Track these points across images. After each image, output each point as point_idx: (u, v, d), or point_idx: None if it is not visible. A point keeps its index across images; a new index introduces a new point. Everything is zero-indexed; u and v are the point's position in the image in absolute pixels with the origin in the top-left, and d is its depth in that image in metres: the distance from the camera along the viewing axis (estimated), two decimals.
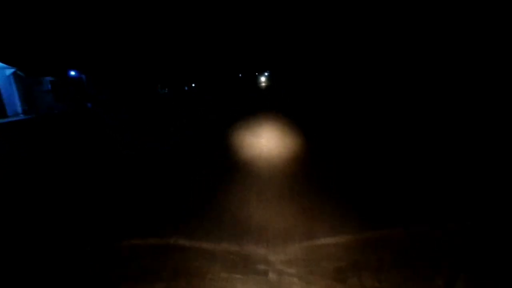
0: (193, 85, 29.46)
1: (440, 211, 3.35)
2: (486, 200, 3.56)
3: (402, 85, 12.39)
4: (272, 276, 2.57)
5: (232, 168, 5.43)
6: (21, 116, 20.35)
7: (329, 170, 5.01)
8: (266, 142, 7.17)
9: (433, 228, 2.98)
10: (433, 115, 8.58)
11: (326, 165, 5.30)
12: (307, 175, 4.82)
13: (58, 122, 14.47)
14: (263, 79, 46.94)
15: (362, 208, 3.57)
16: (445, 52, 10.75)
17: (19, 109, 21.10)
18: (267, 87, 32.84)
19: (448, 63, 10.44)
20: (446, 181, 4.25)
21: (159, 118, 12.88)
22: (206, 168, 5.62)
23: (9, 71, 20.32)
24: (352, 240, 2.93)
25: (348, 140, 7.04)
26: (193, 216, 3.67)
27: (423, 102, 10.28)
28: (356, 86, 16.12)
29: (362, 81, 15.97)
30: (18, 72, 20.61)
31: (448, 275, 2.35)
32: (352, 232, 3.04)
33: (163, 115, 13.52)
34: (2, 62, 19.59)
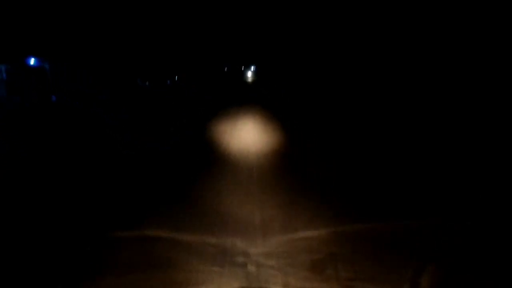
0: (176, 78, 27.51)
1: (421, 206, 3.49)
2: (469, 198, 3.72)
3: (399, 80, 12.31)
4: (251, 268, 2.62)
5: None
6: None
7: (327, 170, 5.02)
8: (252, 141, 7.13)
9: (406, 223, 3.10)
10: (433, 115, 8.66)
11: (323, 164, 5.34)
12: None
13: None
14: (249, 74, 45.29)
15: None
16: (444, 52, 10.95)
17: None
18: (254, 82, 32.88)
19: (448, 63, 10.64)
20: (432, 177, 4.39)
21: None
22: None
23: None
24: (329, 233, 3.01)
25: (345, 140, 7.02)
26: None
27: (423, 101, 10.31)
28: (353, 84, 15.91)
29: (359, 79, 15.75)
30: None
31: (416, 266, 2.47)
32: (329, 226, 3.12)
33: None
34: None
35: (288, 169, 5.08)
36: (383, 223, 3.12)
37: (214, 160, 5.90)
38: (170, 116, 11.75)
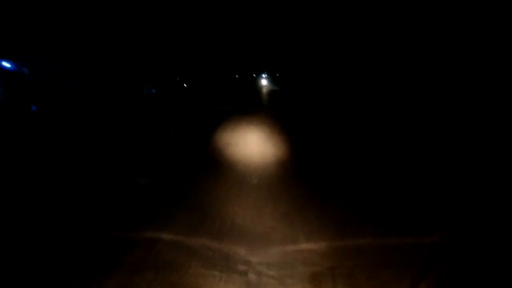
0: (185, 85, 25.56)
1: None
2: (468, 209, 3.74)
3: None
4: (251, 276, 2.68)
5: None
6: None
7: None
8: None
9: (403, 240, 3.17)
10: (435, 115, 8.62)
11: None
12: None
13: None
14: (264, 81, 40.43)
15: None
16: (445, 52, 10.99)
17: None
18: (271, 92, 27.64)
19: (448, 62, 10.67)
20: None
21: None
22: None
23: None
24: (328, 247, 3.08)
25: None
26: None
27: (425, 102, 10.25)
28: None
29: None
30: None
31: (411, 282, 2.54)
32: (328, 240, 3.19)
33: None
34: None
35: (290, 177, 5.15)
36: (384, 238, 3.18)
37: (215, 162, 5.97)
38: (170, 117, 11.66)
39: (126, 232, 3.31)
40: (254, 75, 45.91)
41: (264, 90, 31.30)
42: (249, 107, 15.03)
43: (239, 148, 6.95)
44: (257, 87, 33.91)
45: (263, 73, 45.42)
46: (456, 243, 3.03)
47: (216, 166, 5.67)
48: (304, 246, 3.08)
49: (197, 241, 3.14)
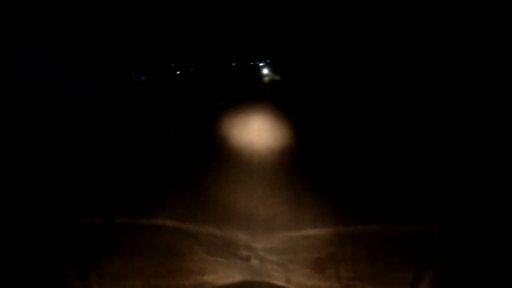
0: (178, 72, 23.52)
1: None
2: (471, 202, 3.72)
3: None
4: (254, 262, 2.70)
5: None
6: None
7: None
8: None
9: (407, 227, 3.15)
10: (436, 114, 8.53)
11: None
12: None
13: None
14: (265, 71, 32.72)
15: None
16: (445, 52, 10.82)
17: None
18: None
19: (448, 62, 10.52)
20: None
21: None
22: None
23: None
24: (331, 233, 3.07)
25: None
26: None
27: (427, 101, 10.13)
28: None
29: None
30: None
31: (417, 269, 2.53)
32: (331, 225, 3.18)
33: None
34: None
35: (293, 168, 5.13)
36: (387, 225, 3.16)
37: (216, 157, 5.94)
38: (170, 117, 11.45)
39: (129, 219, 3.36)
40: (253, 63, 40.42)
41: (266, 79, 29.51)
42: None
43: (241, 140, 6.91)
44: (257, 79, 30.75)
45: (263, 61, 39.55)
46: (459, 231, 3.01)
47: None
48: (306, 232, 3.09)
49: (200, 228, 3.17)
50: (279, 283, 2.50)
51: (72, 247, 2.92)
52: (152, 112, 11.82)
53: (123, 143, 6.95)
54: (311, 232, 3.08)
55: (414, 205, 3.69)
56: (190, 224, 3.19)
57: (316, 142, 6.47)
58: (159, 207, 3.61)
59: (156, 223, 3.21)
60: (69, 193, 4.48)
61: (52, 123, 9.11)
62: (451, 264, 2.56)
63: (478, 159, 5.03)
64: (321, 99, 14.30)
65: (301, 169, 4.88)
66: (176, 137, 7.10)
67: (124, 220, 3.30)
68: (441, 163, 5.08)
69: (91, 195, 4.22)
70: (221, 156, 5.75)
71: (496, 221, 3.18)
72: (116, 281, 2.50)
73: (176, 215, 3.37)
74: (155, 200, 3.86)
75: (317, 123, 8.85)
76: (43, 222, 3.44)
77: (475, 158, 5.10)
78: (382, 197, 3.94)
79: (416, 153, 5.68)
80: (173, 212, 3.44)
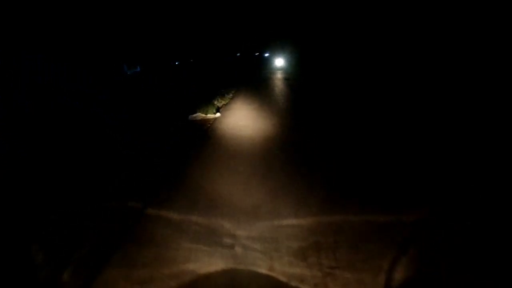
0: (177, 63, 21.65)
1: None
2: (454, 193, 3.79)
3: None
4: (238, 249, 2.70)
5: None
6: None
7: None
8: None
9: (384, 217, 3.24)
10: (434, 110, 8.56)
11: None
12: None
13: None
14: (279, 62, 26.63)
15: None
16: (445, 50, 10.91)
17: None
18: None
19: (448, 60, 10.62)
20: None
21: None
22: None
23: None
24: (314, 223, 3.12)
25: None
26: None
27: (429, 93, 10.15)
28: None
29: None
30: None
31: (392, 257, 2.63)
32: (313, 215, 3.23)
33: None
34: None
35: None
36: (366, 215, 3.24)
37: (204, 147, 5.87)
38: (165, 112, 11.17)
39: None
40: (261, 50, 34.91)
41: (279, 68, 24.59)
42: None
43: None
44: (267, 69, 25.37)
45: (272, 48, 33.84)
46: (439, 222, 3.12)
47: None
48: (290, 221, 3.13)
49: (183, 216, 3.13)
50: (263, 271, 2.53)
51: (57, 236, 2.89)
52: (152, 112, 11.50)
53: (123, 143, 6.81)
54: (294, 221, 3.12)
55: (393, 195, 3.77)
56: (173, 212, 3.15)
57: (301, 133, 6.49)
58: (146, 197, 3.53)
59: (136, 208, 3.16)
60: (69, 193, 4.42)
61: (52, 123, 9.13)
62: (428, 251, 2.66)
63: (467, 151, 5.07)
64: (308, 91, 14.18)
65: (285, 159, 4.89)
66: (176, 137, 6.96)
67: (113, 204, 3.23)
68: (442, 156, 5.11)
69: (91, 195, 4.13)
70: (208, 145, 5.68)
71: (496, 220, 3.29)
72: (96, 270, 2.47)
73: (160, 203, 3.32)
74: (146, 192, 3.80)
75: (302, 113, 8.84)
76: (42, 221, 3.41)
77: (464, 150, 5.15)
78: (365, 187, 3.99)
79: (401, 143, 5.75)
80: (156, 201, 3.38)
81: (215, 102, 10.37)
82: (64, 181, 4.77)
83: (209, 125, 7.70)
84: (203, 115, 8.64)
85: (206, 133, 6.86)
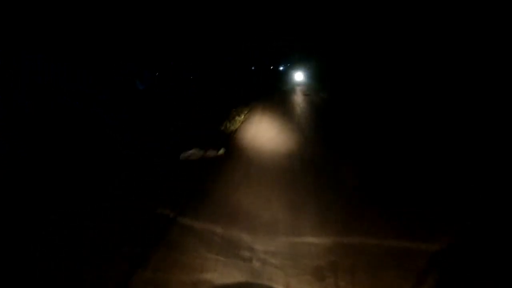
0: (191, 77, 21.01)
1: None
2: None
3: None
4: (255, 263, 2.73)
5: None
6: None
7: None
8: None
9: (407, 242, 3.16)
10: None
11: None
12: None
13: None
14: (298, 77, 24.86)
15: None
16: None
17: None
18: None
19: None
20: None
21: None
22: None
23: None
24: (332, 242, 3.09)
25: None
26: None
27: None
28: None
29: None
30: None
31: (413, 284, 2.55)
32: (332, 235, 3.20)
33: None
34: None
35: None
36: (387, 239, 3.18)
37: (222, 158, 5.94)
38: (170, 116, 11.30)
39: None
40: (278, 64, 34.62)
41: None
42: None
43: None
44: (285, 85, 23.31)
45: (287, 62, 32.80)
46: (461, 251, 3.02)
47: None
48: (308, 239, 3.12)
49: (203, 225, 3.21)
50: (279, 287, 2.53)
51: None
52: (152, 112, 11.71)
53: (123, 143, 6.94)
54: (312, 239, 3.11)
55: (417, 220, 3.67)
56: (193, 220, 3.23)
57: (323, 150, 6.46)
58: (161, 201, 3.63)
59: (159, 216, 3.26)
60: (68, 193, 4.58)
61: (52, 123, 9.15)
62: (449, 281, 2.58)
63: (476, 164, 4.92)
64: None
65: (306, 176, 4.89)
66: (176, 137, 7.04)
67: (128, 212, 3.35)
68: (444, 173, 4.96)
69: (91, 195, 4.30)
70: (227, 157, 5.78)
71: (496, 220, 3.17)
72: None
73: (179, 211, 3.41)
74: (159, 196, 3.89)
75: (323, 129, 8.81)
76: (40, 220, 3.51)
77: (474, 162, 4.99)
78: (385, 209, 3.91)
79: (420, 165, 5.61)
80: (176, 208, 3.48)
81: (222, 128, 8.25)
82: (64, 181, 4.87)
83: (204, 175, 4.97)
84: (201, 152, 5.96)
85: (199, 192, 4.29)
